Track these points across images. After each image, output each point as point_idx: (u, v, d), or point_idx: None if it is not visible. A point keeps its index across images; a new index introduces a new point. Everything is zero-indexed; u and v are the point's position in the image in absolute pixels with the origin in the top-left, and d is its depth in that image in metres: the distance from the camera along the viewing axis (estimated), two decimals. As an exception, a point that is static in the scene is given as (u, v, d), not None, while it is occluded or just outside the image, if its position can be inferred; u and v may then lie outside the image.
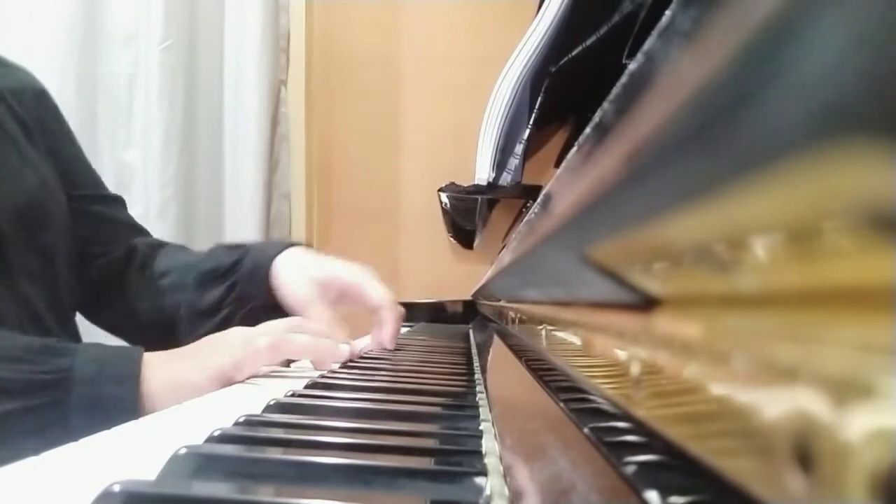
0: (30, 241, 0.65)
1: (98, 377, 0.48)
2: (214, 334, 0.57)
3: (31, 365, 0.47)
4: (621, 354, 0.20)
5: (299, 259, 0.72)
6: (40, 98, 0.75)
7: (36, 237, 0.65)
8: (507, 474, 0.26)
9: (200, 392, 0.48)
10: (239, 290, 0.72)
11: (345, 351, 0.58)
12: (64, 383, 0.47)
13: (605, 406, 0.22)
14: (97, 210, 0.79)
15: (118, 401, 0.48)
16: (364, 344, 0.65)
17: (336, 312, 0.69)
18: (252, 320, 0.61)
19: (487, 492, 0.24)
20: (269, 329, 0.56)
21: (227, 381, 0.51)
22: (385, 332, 0.70)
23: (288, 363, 0.63)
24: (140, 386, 0.49)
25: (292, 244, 0.75)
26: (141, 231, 0.84)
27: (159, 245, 0.82)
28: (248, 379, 0.53)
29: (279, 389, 0.48)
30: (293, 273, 0.70)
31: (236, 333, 0.56)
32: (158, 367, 0.51)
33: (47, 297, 0.67)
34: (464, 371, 0.59)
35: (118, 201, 0.84)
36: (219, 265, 0.74)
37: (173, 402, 0.45)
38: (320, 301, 0.68)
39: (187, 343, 0.56)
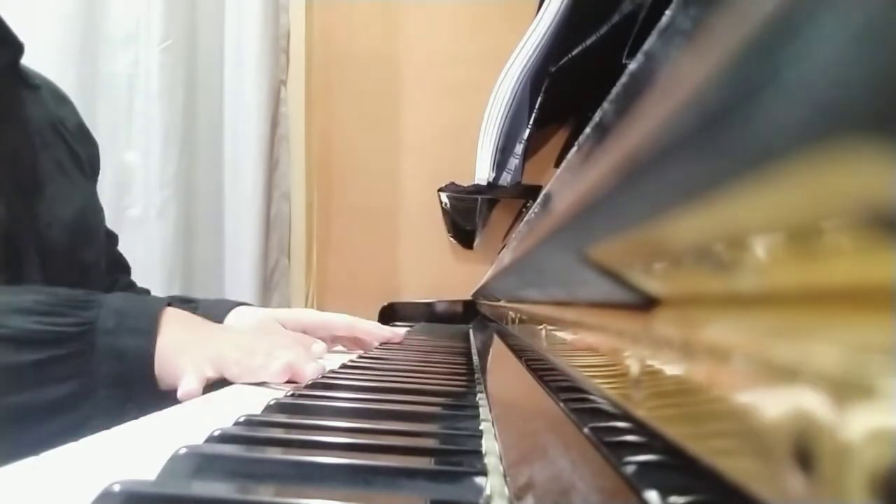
0: (72, 257, 0.70)
1: (118, 329, 0.51)
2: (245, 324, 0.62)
3: (59, 318, 0.50)
4: (621, 354, 0.20)
5: (251, 310, 0.76)
6: (81, 129, 0.81)
7: (78, 253, 0.71)
8: (507, 474, 0.26)
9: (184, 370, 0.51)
10: None
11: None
12: (88, 335, 0.50)
13: (605, 406, 0.22)
14: None
15: (135, 351, 0.51)
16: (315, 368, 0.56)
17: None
18: None
19: (487, 492, 0.24)
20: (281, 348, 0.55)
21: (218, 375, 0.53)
22: (389, 338, 0.80)
23: None
24: (156, 339, 0.52)
25: (241, 304, 0.78)
26: (124, 269, 0.91)
27: (129, 287, 0.88)
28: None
29: (279, 390, 0.48)
30: (245, 321, 0.73)
31: (262, 341, 0.57)
32: (175, 331, 0.54)
33: None
34: (464, 371, 0.59)
35: (113, 237, 0.90)
36: None
37: (170, 367, 0.51)
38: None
39: None
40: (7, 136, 0.66)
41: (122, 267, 0.90)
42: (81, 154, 0.77)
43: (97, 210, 0.76)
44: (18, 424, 0.47)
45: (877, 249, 0.08)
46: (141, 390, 0.51)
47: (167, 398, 0.49)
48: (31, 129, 0.69)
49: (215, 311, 0.75)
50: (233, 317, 0.73)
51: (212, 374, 0.52)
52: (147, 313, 0.54)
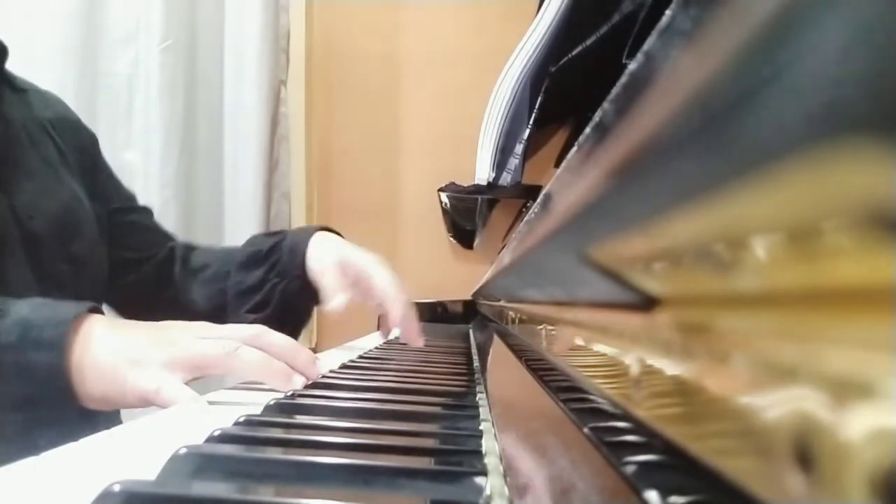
0: (62, 250, 0.69)
1: (21, 342, 0.44)
2: (179, 322, 0.51)
3: None
4: (621, 354, 0.20)
5: (329, 239, 0.80)
6: (76, 128, 0.81)
7: (68, 246, 0.70)
8: (507, 474, 0.26)
9: (125, 384, 0.45)
10: (280, 267, 0.80)
11: (297, 382, 0.47)
12: None
13: (605, 406, 0.22)
14: (133, 219, 0.85)
15: (40, 367, 0.44)
16: (317, 372, 0.51)
17: (351, 294, 0.74)
18: (286, 297, 0.76)
19: (487, 492, 0.24)
20: (225, 336, 0.49)
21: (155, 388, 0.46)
22: (406, 330, 0.78)
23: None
24: (69, 354, 0.44)
25: (325, 228, 0.83)
26: (171, 236, 0.90)
27: (191, 246, 0.90)
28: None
29: (279, 390, 0.48)
30: (321, 251, 0.78)
31: (195, 330, 0.50)
32: (109, 339, 0.46)
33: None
34: (464, 371, 0.59)
35: (148, 211, 0.91)
36: (260, 248, 0.82)
37: (99, 385, 0.44)
38: (335, 274, 0.74)
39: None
40: None
41: (168, 236, 0.88)
42: (71, 152, 0.77)
43: (84, 204, 0.75)
44: None
45: (877, 249, 0.08)
46: (57, 414, 0.44)
47: (95, 422, 0.41)
48: (17, 128, 0.69)
49: (305, 233, 0.80)
50: (314, 241, 0.78)
51: (189, 376, 0.46)
52: (54, 322, 0.45)
